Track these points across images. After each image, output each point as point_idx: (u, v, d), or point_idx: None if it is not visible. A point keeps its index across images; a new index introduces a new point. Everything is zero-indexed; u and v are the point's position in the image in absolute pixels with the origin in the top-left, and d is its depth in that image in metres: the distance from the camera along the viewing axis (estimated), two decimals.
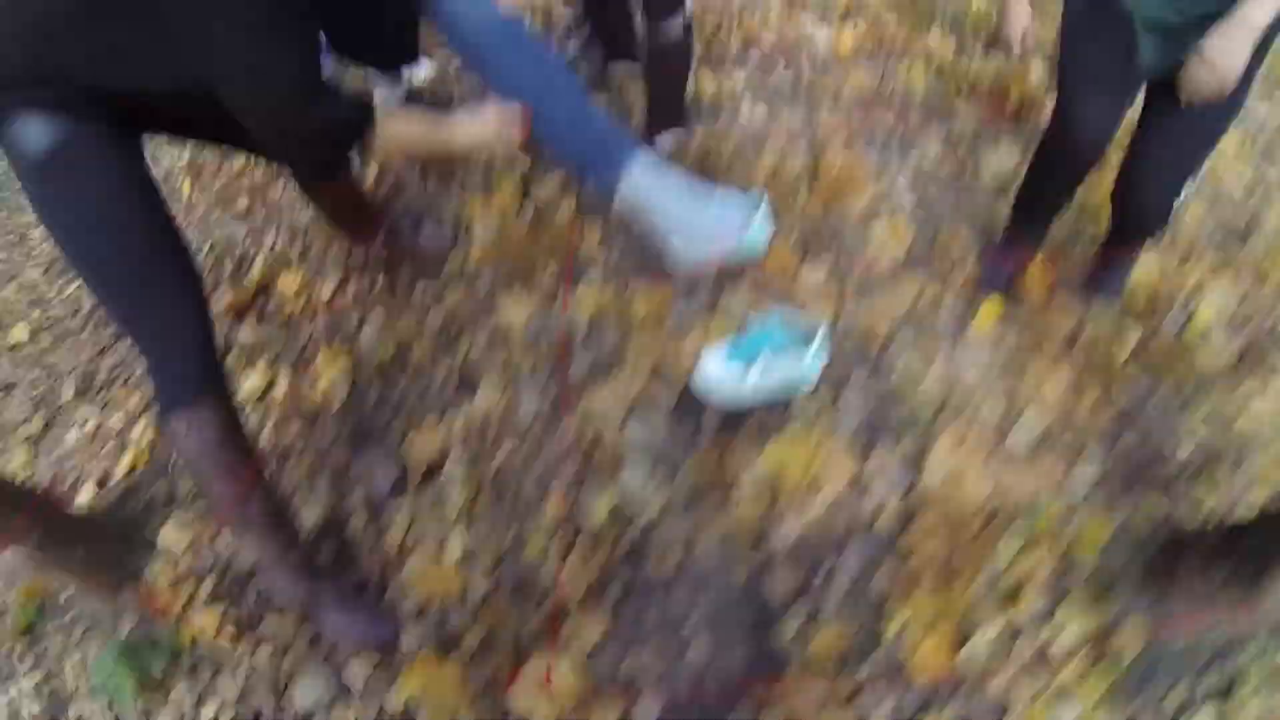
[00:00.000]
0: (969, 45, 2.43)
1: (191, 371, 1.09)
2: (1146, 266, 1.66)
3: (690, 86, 1.98)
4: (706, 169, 1.89)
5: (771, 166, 1.88)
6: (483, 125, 1.17)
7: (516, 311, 1.58)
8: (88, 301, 2.67)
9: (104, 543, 1.49)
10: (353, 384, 1.58)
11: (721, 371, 1.28)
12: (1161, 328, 1.60)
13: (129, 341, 1.34)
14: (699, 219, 1.17)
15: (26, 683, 1.49)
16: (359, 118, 1.10)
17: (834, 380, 1.39)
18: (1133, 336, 1.55)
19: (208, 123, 1.17)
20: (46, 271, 3.19)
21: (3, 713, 1.54)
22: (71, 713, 1.40)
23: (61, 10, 0.96)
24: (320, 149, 1.17)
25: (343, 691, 1.23)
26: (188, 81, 1.03)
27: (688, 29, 1.71)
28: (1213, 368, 1.53)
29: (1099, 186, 1.64)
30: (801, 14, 2.56)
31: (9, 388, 2.60)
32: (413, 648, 1.23)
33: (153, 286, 1.07)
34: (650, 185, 1.16)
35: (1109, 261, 1.56)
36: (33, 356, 2.63)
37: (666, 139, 1.90)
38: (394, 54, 1.26)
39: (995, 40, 2.43)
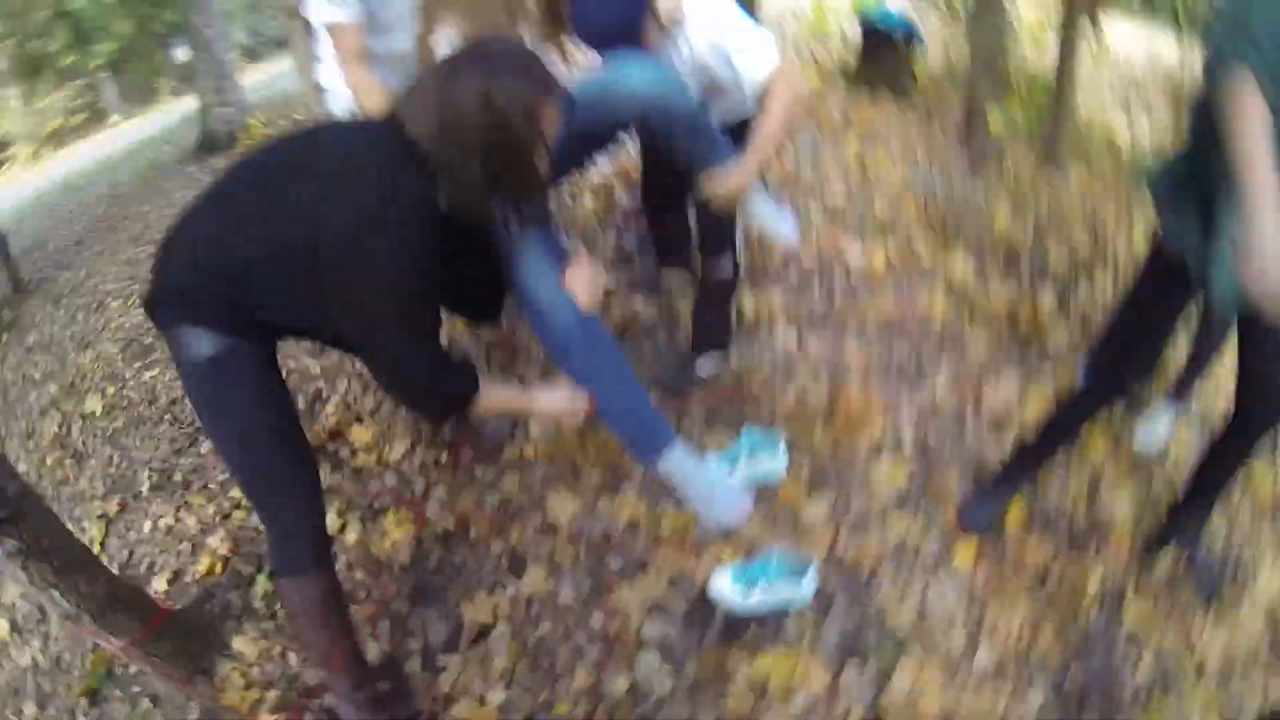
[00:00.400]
0: (989, 266, 2.78)
1: (305, 549, 1.39)
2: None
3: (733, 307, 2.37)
4: (738, 397, 2.24)
5: (795, 399, 2.22)
6: (558, 403, 1.55)
7: (563, 508, 1.94)
8: (164, 394, 3.10)
9: (185, 638, 1.82)
10: (418, 545, 1.94)
11: (728, 589, 1.62)
12: None
13: (217, 461, 1.69)
14: (720, 495, 1.64)
15: None
16: (468, 391, 1.39)
17: (821, 604, 1.70)
18: (1098, 575, 1.83)
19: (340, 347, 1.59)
20: (124, 350, 3.66)
21: None
22: None
23: (248, 266, 1.22)
24: (432, 411, 1.61)
25: None
26: (334, 336, 1.42)
27: (736, 266, 2.15)
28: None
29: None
30: (841, 231, 2.98)
31: (81, 457, 3.01)
32: None
33: (282, 475, 1.35)
34: (681, 468, 1.63)
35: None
36: (105, 433, 3.04)
37: (707, 363, 2.27)
38: (489, 315, 1.76)
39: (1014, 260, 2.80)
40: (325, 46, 1.89)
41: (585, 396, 1.55)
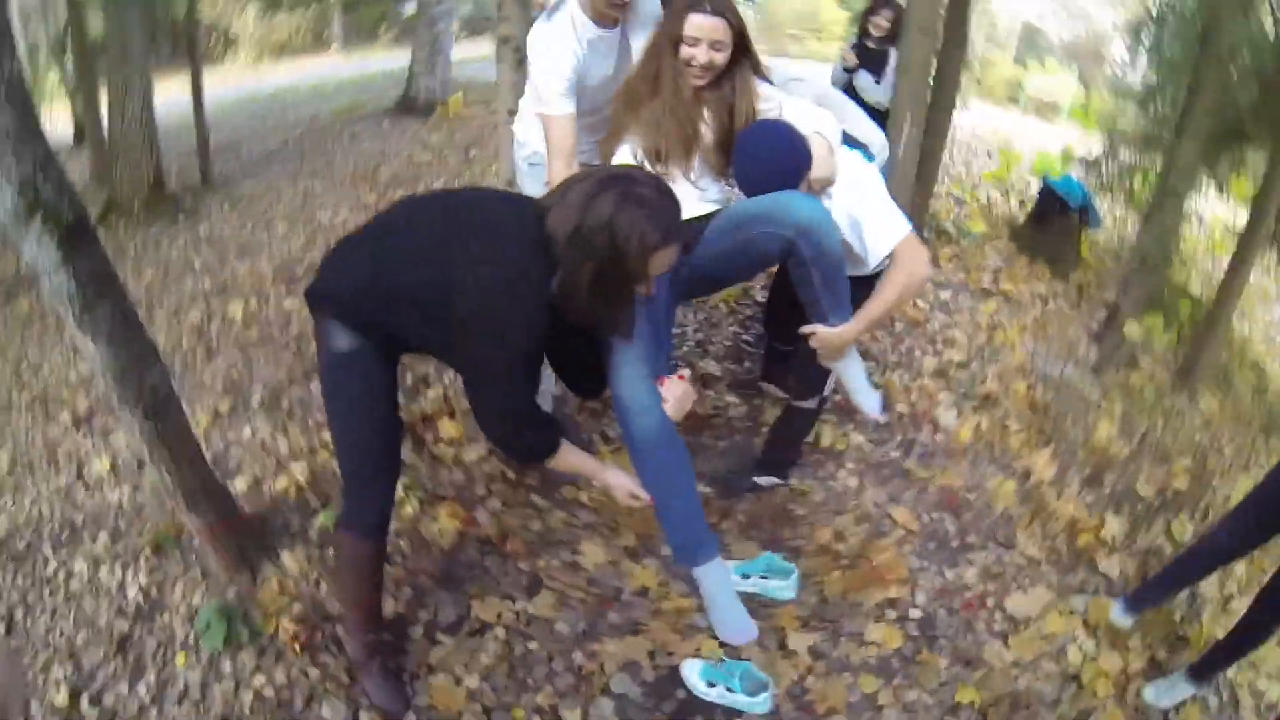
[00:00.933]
0: (1071, 473, 2.75)
1: (370, 518, 1.68)
2: None
3: (810, 434, 2.60)
4: (781, 514, 2.46)
5: (832, 535, 2.38)
6: (623, 487, 1.76)
7: (593, 555, 2.23)
8: (296, 325, 3.62)
9: (246, 535, 2.19)
10: (459, 538, 2.27)
11: (694, 678, 1.85)
12: None
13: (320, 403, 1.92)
14: (734, 616, 1.88)
15: (139, 578, 2.23)
16: (546, 449, 1.62)
17: None
18: None
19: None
20: (276, 272, 4.27)
21: (115, 582, 2.25)
22: (160, 619, 2.12)
23: (395, 297, 1.48)
24: (511, 455, 1.90)
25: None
26: (453, 365, 1.77)
27: (823, 401, 2.39)
28: None
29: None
30: (944, 390, 3.13)
31: (211, 353, 3.57)
32: None
33: (374, 457, 1.63)
34: (712, 580, 1.88)
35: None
36: (239, 340, 3.60)
37: (764, 480, 2.51)
38: (588, 394, 2.02)
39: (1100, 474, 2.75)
40: (530, 104, 2.17)
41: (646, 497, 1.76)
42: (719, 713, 1.84)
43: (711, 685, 1.83)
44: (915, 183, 4.02)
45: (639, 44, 2.03)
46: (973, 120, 8.52)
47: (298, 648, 1.95)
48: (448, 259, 1.43)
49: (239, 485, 2.58)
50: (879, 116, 3.68)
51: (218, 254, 4.60)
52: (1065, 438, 2.93)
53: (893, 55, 3.84)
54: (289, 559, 2.20)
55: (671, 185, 1.58)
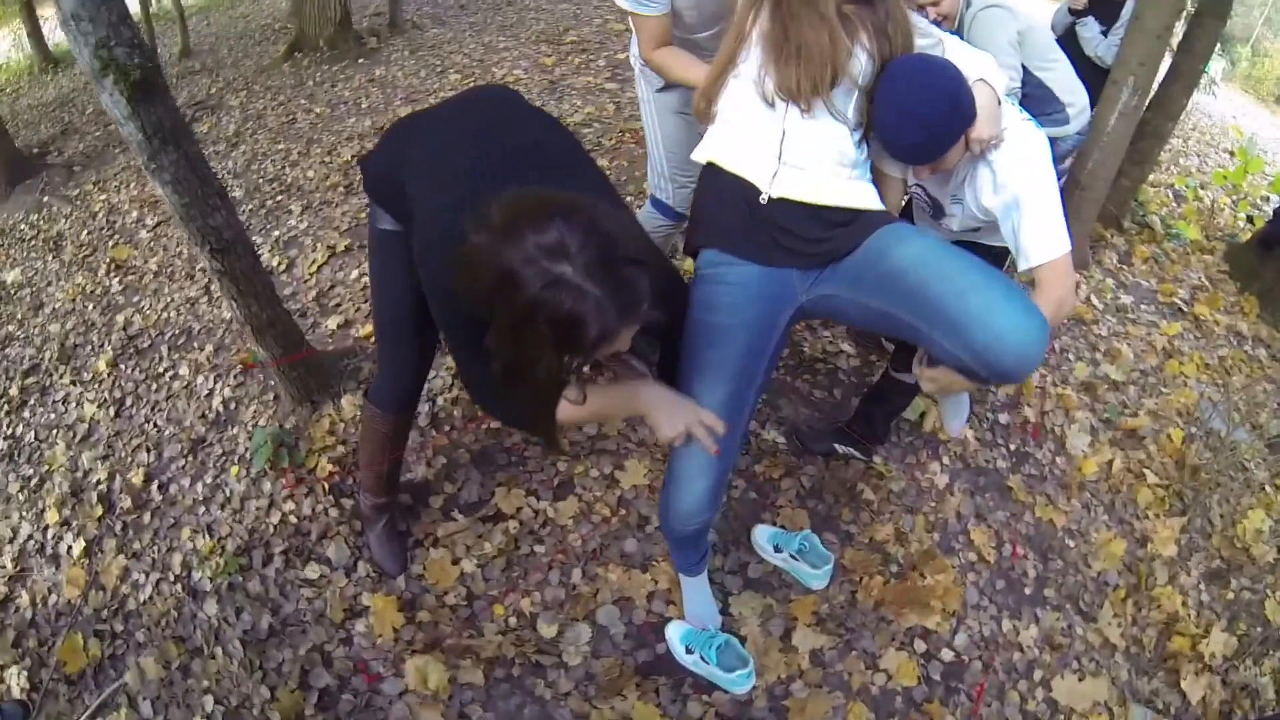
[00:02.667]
0: (1198, 555, 2.31)
1: (395, 395, 1.71)
2: None
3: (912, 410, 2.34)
4: (846, 495, 2.22)
5: (892, 531, 2.15)
6: (672, 425, 1.33)
7: (632, 477, 2.17)
8: None
9: (312, 374, 2.35)
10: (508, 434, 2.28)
11: (675, 641, 1.80)
12: None
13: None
14: (698, 610, 1.80)
15: (224, 390, 2.49)
16: (529, 421, 1.28)
17: (740, 704, 1.77)
18: None
19: None
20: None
21: (205, 390, 2.52)
22: (229, 431, 2.35)
23: (401, 199, 1.31)
24: (504, 422, 1.78)
25: (352, 567, 1.95)
26: None
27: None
28: None
29: None
30: (1083, 410, 2.69)
31: (346, 193, 3.76)
32: (394, 587, 1.92)
33: (408, 335, 1.60)
34: (687, 586, 1.79)
35: None
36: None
37: (842, 449, 2.28)
38: None
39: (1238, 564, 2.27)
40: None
41: (687, 410, 1.35)
42: (689, 681, 1.79)
43: (689, 652, 1.77)
44: (1128, 162, 3.49)
45: None
46: (1225, 109, 7.29)
47: (326, 486, 2.10)
48: (434, 187, 1.23)
49: (330, 323, 2.76)
50: (1095, 75, 3.20)
51: (385, 97, 4.82)
52: (1205, 514, 2.46)
53: (1129, 5, 3.23)
54: (347, 403, 2.34)
55: (813, 145, 1.35)
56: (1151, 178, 4.51)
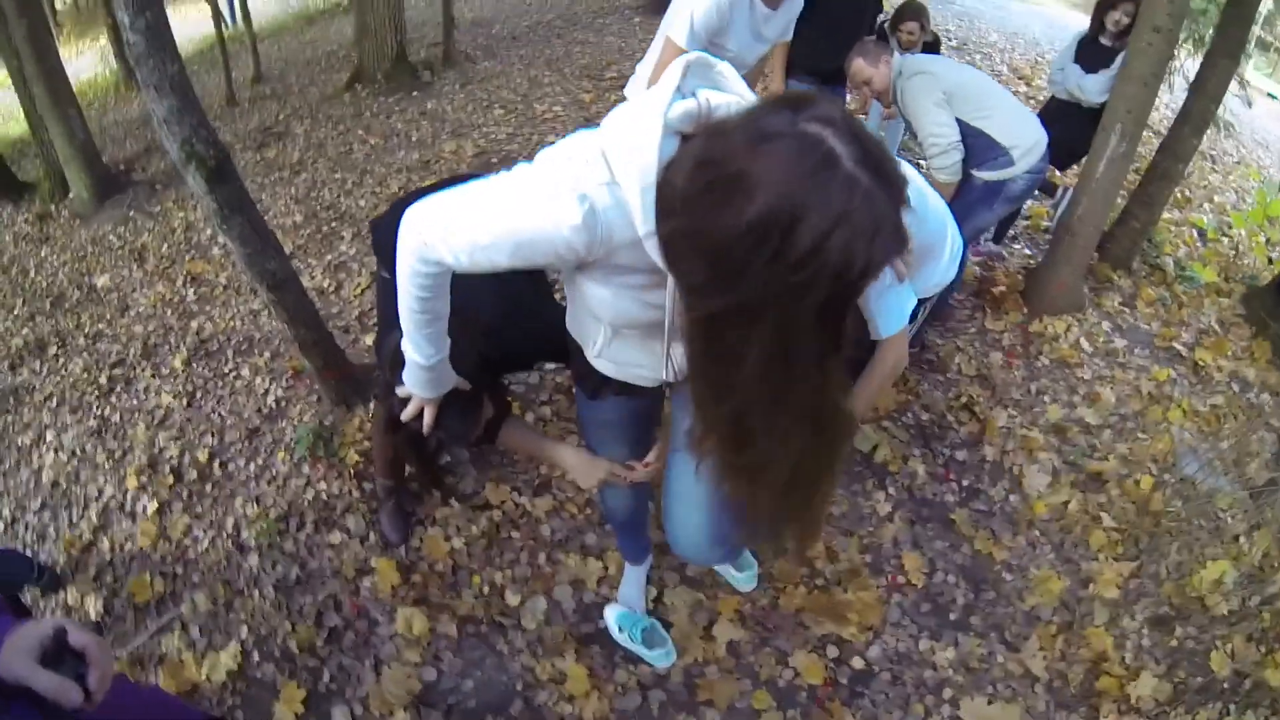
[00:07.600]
0: (1139, 606, 2.39)
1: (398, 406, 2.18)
2: None
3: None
4: None
5: (817, 552, 2.47)
6: (573, 465, 1.74)
7: None
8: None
9: (345, 382, 2.99)
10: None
11: (611, 619, 2.29)
12: None
13: None
14: (627, 593, 2.30)
15: (277, 391, 3.16)
16: (465, 432, 1.64)
17: (656, 674, 2.26)
18: None
19: None
20: (477, 156, 5.02)
21: (262, 389, 3.20)
22: (278, 424, 3.01)
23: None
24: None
25: (365, 536, 2.55)
26: None
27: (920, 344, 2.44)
28: None
29: None
30: (1047, 452, 2.91)
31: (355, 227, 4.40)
32: (396, 554, 2.51)
33: None
34: (627, 582, 2.30)
35: None
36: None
37: None
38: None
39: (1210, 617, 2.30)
40: (644, 65, 2.55)
41: (599, 468, 1.71)
42: (619, 653, 2.28)
43: (621, 630, 2.28)
44: (1137, 204, 3.77)
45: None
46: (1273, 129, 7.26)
47: (352, 472, 2.74)
48: None
49: (368, 340, 3.43)
50: (1086, 116, 3.54)
51: (433, 130, 5.53)
52: (1161, 560, 2.52)
53: (1122, 56, 3.41)
54: (374, 407, 2.97)
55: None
56: (1176, 215, 4.67)
